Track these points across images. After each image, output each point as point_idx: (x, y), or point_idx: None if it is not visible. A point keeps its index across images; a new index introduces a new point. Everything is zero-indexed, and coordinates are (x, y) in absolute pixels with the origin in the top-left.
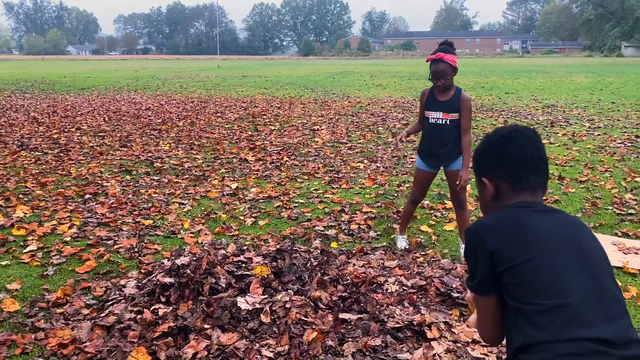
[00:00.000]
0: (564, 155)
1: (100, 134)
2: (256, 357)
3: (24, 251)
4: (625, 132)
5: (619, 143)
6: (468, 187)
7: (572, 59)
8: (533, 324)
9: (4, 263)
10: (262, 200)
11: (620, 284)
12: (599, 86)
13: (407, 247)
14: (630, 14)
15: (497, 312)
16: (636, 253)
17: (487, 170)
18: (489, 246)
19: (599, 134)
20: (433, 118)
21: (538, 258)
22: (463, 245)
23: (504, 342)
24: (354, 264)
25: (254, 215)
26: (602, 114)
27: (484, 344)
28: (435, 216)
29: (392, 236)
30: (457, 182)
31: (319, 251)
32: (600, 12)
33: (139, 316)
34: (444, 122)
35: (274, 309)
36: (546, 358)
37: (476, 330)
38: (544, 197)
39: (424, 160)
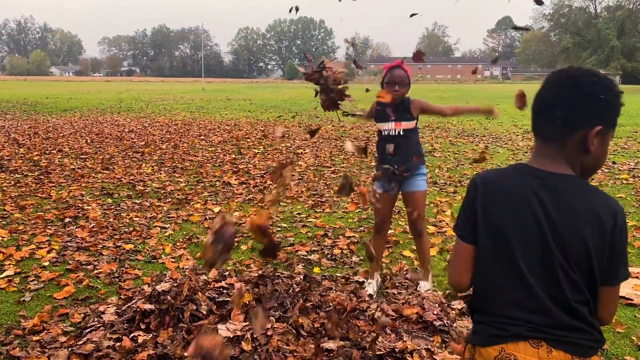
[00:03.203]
0: None
1: (82, 156)
2: None
3: (0, 276)
4: None
5: None
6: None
7: None
8: (482, 293)
9: None
10: (244, 225)
11: None
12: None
13: (373, 292)
14: (606, 43)
15: (470, 262)
16: None
17: None
18: (479, 200)
19: None
20: (385, 130)
21: (505, 241)
22: (427, 284)
23: None
24: (336, 290)
25: (236, 240)
26: None
27: None
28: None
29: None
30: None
31: (301, 277)
32: (578, 41)
33: (118, 344)
34: (397, 133)
35: (255, 336)
36: (487, 322)
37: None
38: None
39: (382, 183)
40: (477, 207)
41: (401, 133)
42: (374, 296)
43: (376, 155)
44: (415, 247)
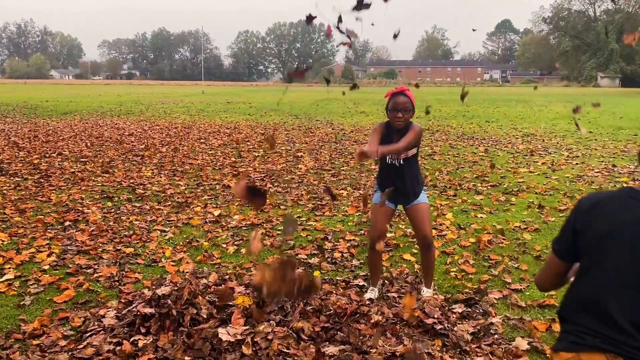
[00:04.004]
0: (544, 184)
1: (82, 159)
2: None
3: (0, 280)
4: (602, 162)
5: (597, 172)
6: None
7: (550, 89)
8: (572, 305)
9: None
10: (244, 228)
11: None
12: (577, 116)
13: (374, 297)
14: (605, 46)
15: (555, 273)
16: None
17: None
18: (579, 223)
19: (577, 163)
20: (390, 159)
21: (600, 266)
22: (429, 290)
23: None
24: (336, 294)
25: (236, 243)
26: (580, 143)
27: None
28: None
29: None
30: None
31: None
32: (577, 44)
33: (118, 348)
34: (400, 163)
35: (255, 340)
36: (570, 331)
37: None
38: (531, 226)
39: (379, 195)
40: (577, 229)
41: (402, 162)
42: (374, 300)
43: (376, 175)
44: (416, 254)
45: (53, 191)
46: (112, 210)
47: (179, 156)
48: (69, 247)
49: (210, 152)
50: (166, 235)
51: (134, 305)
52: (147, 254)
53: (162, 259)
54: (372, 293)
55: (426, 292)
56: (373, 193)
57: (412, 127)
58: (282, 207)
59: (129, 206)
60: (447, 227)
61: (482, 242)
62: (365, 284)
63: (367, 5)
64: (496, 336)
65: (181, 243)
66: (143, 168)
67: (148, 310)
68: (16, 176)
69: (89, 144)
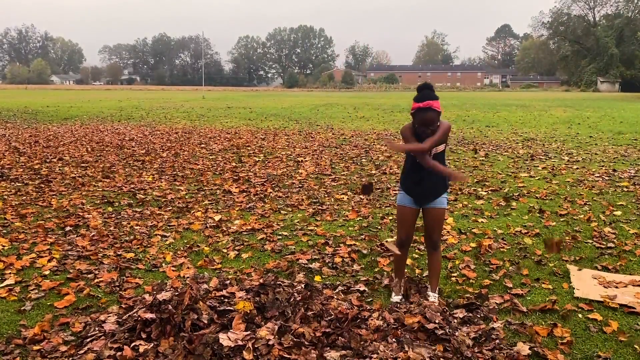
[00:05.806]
0: (544, 189)
1: (82, 164)
2: None
3: (1, 285)
4: (602, 166)
5: (597, 177)
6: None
7: (550, 93)
8: None
9: None
10: (245, 233)
11: (600, 318)
12: (577, 120)
13: (401, 300)
14: (605, 51)
15: None
16: (616, 287)
17: None
18: None
19: (577, 168)
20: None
21: None
22: (435, 294)
23: None
24: (337, 299)
25: (237, 248)
26: (581, 148)
27: None
28: (419, 249)
29: (376, 269)
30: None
31: (302, 285)
32: (577, 49)
33: (119, 353)
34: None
35: (256, 345)
36: None
37: None
38: (526, 230)
39: (405, 197)
40: None
41: (431, 157)
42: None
43: (401, 176)
44: (417, 258)
45: (54, 196)
46: (113, 215)
47: (179, 161)
48: (69, 252)
49: (210, 157)
50: (167, 240)
51: (134, 310)
52: (148, 259)
53: (163, 264)
54: (396, 296)
55: (432, 297)
56: (397, 193)
57: (441, 124)
58: (282, 212)
59: (129, 211)
60: (448, 231)
61: (482, 247)
62: (367, 289)
63: None
64: (497, 341)
65: (182, 248)
66: (144, 173)
67: (149, 315)
68: (17, 181)
69: (89, 149)
